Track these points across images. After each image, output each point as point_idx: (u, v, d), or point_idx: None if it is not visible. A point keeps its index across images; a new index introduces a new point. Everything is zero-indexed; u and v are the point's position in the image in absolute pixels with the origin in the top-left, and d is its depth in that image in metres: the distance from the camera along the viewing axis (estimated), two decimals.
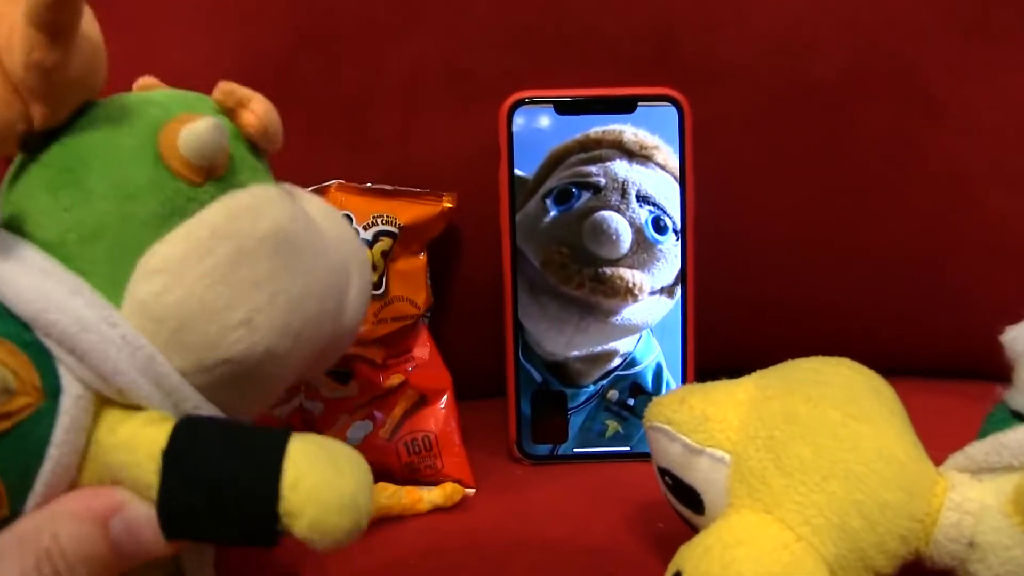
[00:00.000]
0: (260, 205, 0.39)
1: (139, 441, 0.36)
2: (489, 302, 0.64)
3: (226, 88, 0.40)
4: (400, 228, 0.61)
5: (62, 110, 0.38)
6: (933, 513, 0.39)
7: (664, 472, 0.45)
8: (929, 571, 0.41)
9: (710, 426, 0.43)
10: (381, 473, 0.58)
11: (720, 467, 0.42)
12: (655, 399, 0.47)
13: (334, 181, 0.62)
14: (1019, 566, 0.38)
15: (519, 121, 0.61)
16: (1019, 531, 0.38)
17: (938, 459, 0.42)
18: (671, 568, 0.41)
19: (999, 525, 0.38)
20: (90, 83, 0.38)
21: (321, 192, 0.61)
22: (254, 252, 0.38)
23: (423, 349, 0.62)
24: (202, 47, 0.66)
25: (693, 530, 0.45)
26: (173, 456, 0.35)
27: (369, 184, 0.62)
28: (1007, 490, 0.38)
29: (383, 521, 0.55)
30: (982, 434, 0.42)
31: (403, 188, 0.62)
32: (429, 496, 0.56)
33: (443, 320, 0.68)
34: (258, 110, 0.40)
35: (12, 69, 0.36)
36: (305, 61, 0.66)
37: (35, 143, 0.38)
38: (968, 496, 0.39)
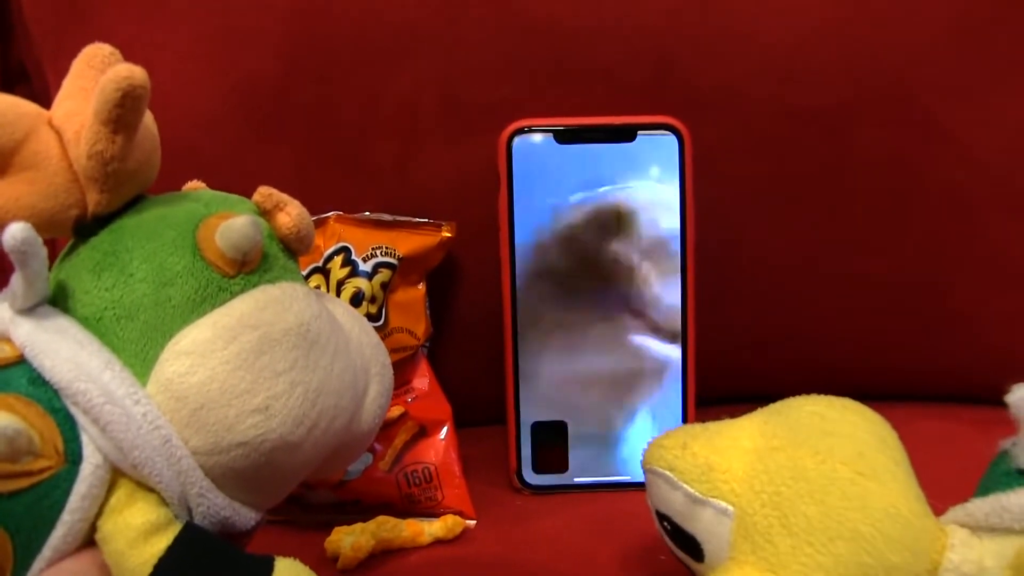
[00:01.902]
0: (287, 300, 0.41)
1: (125, 564, 0.37)
2: (489, 331, 0.64)
3: (265, 191, 0.43)
4: (399, 259, 0.61)
5: (115, 199, 0.41)
6: (933, 571, 0.39)
7: (663, 517, 0.45)
8: None
9: (714, 476, 0.42)
10: (381, 506, 0.58)
11: (723, 519, 0.42)
12: (655, 441, 0.46)
13: (333, 213, 0.62)
14: None
15: (519, 149, 0.61)
16: None
17: (939, 500, 0.42)
18: None
19: None
20: (143, 177, 0.42)
21: (319, 223, 0.61)
22: (277, 342, 0.40)
23: (422, 380, 0.62)
24: (199, 77, 0.66)
25: (690, 572, 0.45)
26: None
27: (367, 214, 0.62)
28: (1007, 554, 0.38)
29: (384, 554, 0.55)
30: (983, 486, 0.41)
31: (402, 218, 0.63)
32: (430, 529, 0.56)
33: (443, 349, 0.68)
34: (293, 213, 0.43)
35: (76, 159, 0.39)
36: (302, 90, 0.66)
37: (88, 229, 0.41)
38: (967, 557, 0.39)
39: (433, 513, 0.58)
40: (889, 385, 0.69)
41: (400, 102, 0.66)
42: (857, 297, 0.71)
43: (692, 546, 0.43)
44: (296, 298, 0.42)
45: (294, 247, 0.44)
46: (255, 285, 0.41)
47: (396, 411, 0.59)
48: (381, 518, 0.55)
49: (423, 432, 0.60)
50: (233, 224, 0.40)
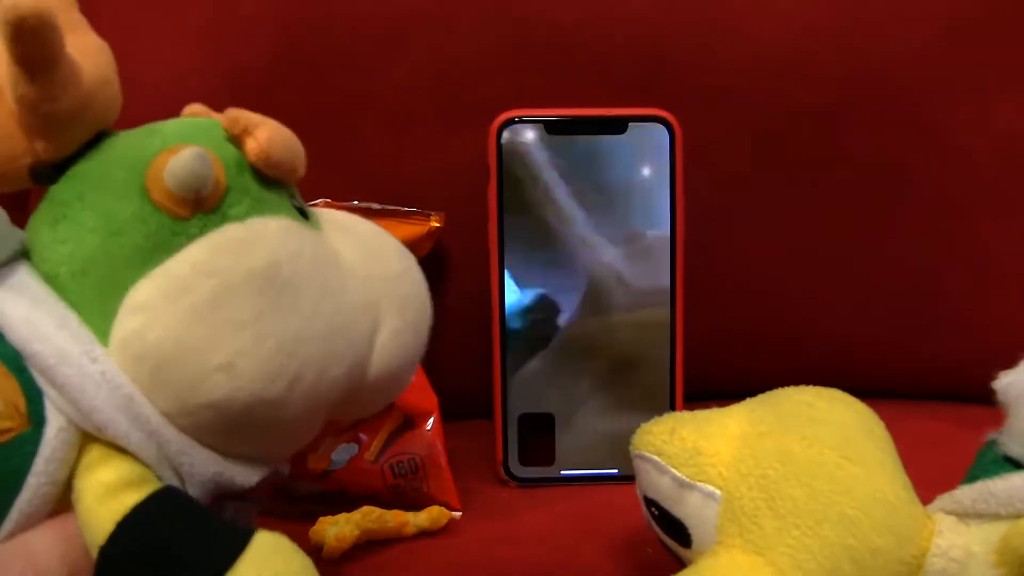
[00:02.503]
0: (253, 239, 0.38)
1: (92, 520, 0.35)
2: (476, 322, 0.64)
3: (232, 115, 0.40)
4: None
5: (63, 144, 0.38)
6: (920, 556, 0.39)
7: (650, 503, 0.45)
8: None
9: (701, 460, 0.42)
10: (366, 496, 0.58)
11: (711, 503, 0.42)
12: (643, 427, 0.46)
13: (320, 200, 0.62)
14: None
15: (508, 140, 0.61)
16: None
17: (925, 497, 0.42)
18: None
19: (984, 573, 0.38)
20: (92, 115, 0.38)
21: None
22: (238, 290, 0.37)
23: None
24: (190, 65, 0.67)
25: (677, 561, 0.45)
26: (103, 568, 0.35)
27: (356, 203, 0.62)
28: (993, 539, 0.38)
29: (369, 545, 0.54)
30: (971, 475, 0.42)
31: (390, 207, 0.63)
32: (415, 520, 0.56)
33: (430, 340, 0.67)
34: (261, 136, 0.39)
35: (11, 106, 0.37)
36: (294, 79, 0.66)
37: (47, 177, 0.39)
38: (954, 543, 0.39)
39: (418, 504, 0.58)
40: (876, 383, 0.69)
41: (392, 93, 0.67)
42: (845, 294, 0.72)
43: (680, 531, 0.43)
44: (265, 236, 0.38)
45: (270, 174, 0.40)
46: (217, 226, 0.37)
47: None
48: (366, 508, 0.55)
49: (409, 423, 0.60)
50: (178, 159, 0.36)
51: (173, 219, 0.37)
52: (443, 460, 0.60)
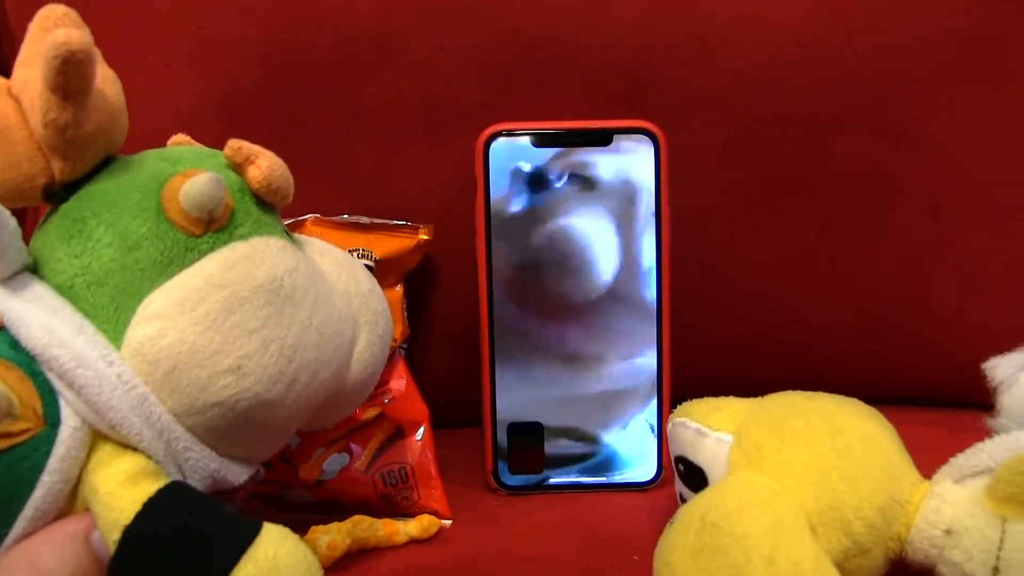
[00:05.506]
0: (258, 256, 0.41)
1: (114, 503, 0.37)
2: (466, 333, 0.64)
3: (235, 145, 0.43)
4: (376, 261, 0.62)
5: (80, 165, 0.40)
6: (916, 502, 0.43)
7: (679, 460, 0.51)
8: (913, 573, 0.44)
9: (720, 415, 0.49)
10: (358, 505, 0.58)
11: (723, 446, 0.48)
12: (682, 404, 0.52)
13: (310, 215, 0.62)
14: (992, 544, 0.40)
15: (496, 153, 0.61)
16: (993, 514, 0.41)
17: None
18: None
19: (974, 511, 0.41)
20: (107, 140, 0.41)
21: (297, 226, 0.61)
22: (247, 300, 0.40)
23: (399, 381, 0.62)
24: (180, 80, 0.67)
25: None
26: (129, 543, 0.37)
27: (346, 216, 0.63)
28: (985, 487, 0.41)
29: (359, 553, 0.55)
30: None
31: (379, 221, 0.63)
32: (406, 528, 0.56)
33: (420, 351, 0.68)
34: (263, 165, 0.43)
35: (35, 128, 0.39)
36: (282, 94, 0.67)
37: (58, 196, 0.41)
38: (949, 489, 0.43)
39: (409, 513, 0.59)
40: (863, 388, 0.68)
41: (380, 107, 0.67)
42: (833, 303, 0.72)
43: (699, 479, 0.49)
44: (268, 253, 0.41)
45: (268, 200, 0.43)
46: (225, 243, 0.41)
47: (373, 412, 0.59)
48: (357, 517, 0.56)
49: (400, 433, 0.61)
50: (195, 182, 0.40)
51: (187, 236, 0.40)
52: (433, 469, 0.60)
